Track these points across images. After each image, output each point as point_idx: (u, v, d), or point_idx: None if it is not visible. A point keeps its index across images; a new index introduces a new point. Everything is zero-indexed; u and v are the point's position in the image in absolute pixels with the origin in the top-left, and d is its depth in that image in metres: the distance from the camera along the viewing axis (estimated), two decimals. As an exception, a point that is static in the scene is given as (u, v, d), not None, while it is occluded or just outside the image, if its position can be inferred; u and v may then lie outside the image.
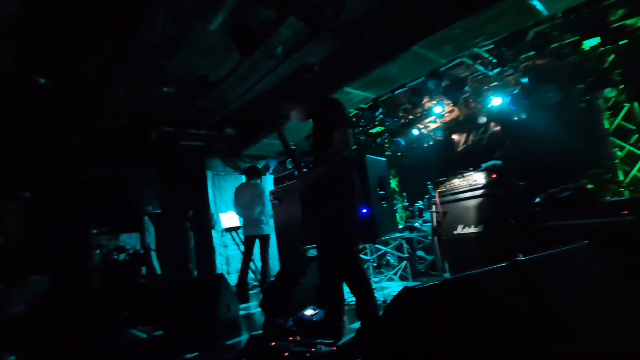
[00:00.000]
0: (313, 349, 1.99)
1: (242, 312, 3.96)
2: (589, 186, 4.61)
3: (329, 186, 2.36)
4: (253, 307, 4.36)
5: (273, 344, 2.14)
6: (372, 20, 3.92)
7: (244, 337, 3.03)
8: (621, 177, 4.95)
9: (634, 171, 4.86)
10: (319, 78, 4.76)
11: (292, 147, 3.12)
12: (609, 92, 4.87)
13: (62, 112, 4.84)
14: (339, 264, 2.40)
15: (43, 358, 2.78)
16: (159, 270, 4.86)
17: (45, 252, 4.12)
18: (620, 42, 4.22)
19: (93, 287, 4.35)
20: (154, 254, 4.93)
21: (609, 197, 4.72)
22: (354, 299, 2.47)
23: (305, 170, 2.59)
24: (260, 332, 3.02)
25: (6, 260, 3.58)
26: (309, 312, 2.88)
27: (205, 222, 6.40)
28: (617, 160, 5.02)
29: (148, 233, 5.00)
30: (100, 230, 4.75)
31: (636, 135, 4.88)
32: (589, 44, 4.57)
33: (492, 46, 4.29)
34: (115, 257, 4.70)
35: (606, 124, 5.12)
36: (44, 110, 4.70)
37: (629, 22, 4.09)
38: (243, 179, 5.42)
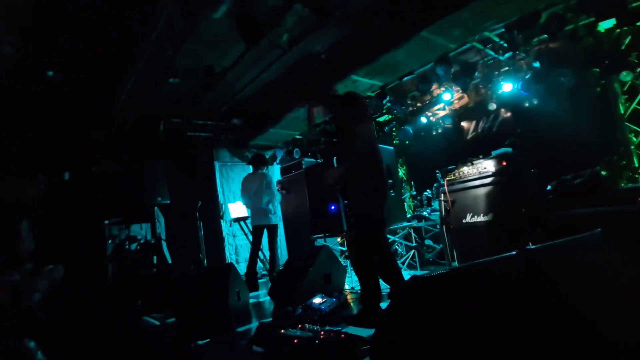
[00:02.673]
0: (322, 336, 2.01)
1: (251, 300, 4.02)
2: (603, 173, 4.50)
3: (357, 178, 2.53)
4: (262, 295, 4.42)
5: (282, 331, 2.17)
6: (379, 5, 3.83)
7: (254, 324, 3.08)
8: (636, 164, 4.82)
9: (650, 157, 4.73)
10: (325, 66, 4.72)
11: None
12: (625, 76, 4.69)
13: (77, 107, 4.89)
14: (367, 248, 2.54)
15: (59, 344, 2.87)
16: (169, 260, 4.95)
17: (61, 241, 4.21)
18: (638, 24, 4.06)
19: (107, 276, 4.45)
20: (164, 244, 5.01)
21: (623, 185, 4.62)
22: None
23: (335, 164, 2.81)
24: (270, 319, 3.07)
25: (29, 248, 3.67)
26: (317, 300, 2.92)
27: (213, 212, 6.47)
28: (632, 147, 4.88)
29: (158, 223, 5.07)
30: (112, 221, 4.83)
31: (653, 121, 4.75)
32: (604, 25, 4.40)
33: (503, 30, 4.16)
34: (127, 247, 4.79)
35: (621, 109, 4.97)
36: (59, 104, 4.75)
37: (648, 2, 3.92)
38: (250, 169, 5.44)
